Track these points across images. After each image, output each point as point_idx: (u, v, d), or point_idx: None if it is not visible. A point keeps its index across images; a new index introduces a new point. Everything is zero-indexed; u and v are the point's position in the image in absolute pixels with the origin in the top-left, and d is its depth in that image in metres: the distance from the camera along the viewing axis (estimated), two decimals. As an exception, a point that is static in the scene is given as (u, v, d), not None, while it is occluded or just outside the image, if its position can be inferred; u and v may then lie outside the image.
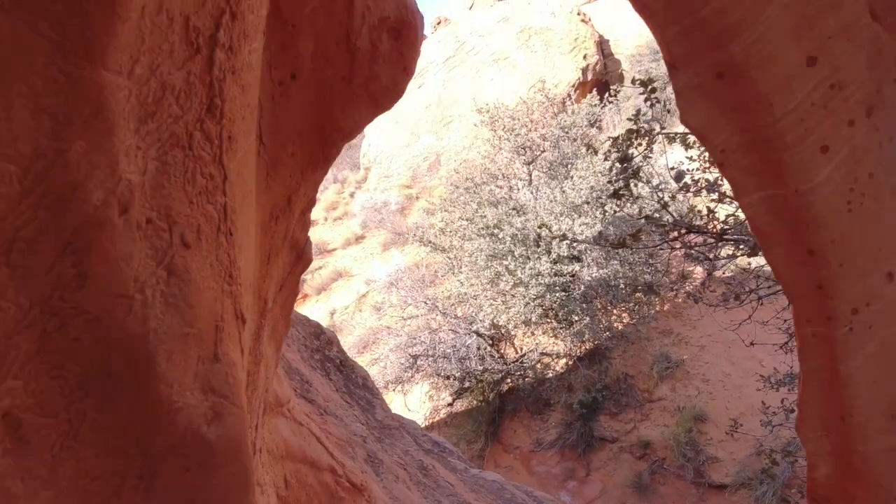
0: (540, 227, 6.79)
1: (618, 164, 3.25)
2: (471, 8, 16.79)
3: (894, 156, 0.92)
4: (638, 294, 8.50)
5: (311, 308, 12.24)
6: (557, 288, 7.97)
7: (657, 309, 8.86)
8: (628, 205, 4.61)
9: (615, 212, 6.37)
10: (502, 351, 9.64)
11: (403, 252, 12.06)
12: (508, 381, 9.41)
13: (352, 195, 15.99)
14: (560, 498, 7.95)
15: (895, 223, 0.88)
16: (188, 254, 0.76)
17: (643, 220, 3.42)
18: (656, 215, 4.33)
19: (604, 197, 7.19)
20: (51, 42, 0.60)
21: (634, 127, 3.16)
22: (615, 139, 3.17)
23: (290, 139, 1.36)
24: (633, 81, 3.16)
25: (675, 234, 3.45)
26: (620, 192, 3.03)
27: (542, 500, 4.93)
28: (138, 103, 0.69)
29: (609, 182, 6.34)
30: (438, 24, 16.68)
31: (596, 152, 4.96)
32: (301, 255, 1.62)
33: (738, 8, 0.77)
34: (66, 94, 0.61)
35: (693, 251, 3.82)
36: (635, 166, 3.21)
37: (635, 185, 3.73)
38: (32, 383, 0.65)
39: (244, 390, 0.86)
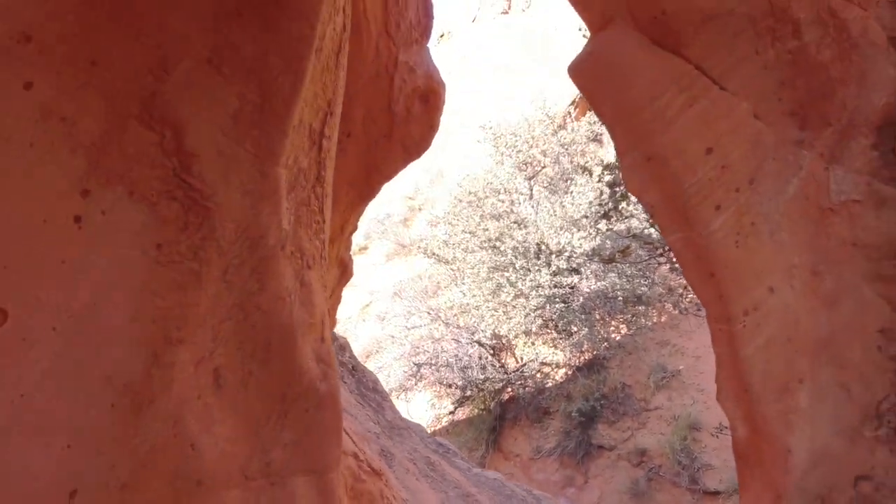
0: (539, 245, 7.29)
1: (607, 189, 3.73)
2: (473, 21, 17.38)
3: (771, 209, 1.40)
4: (636, 306, 8.96)
5: (315, 317, 12.61)
6: (557, 299, 8.43)
7: (654, 320, 9.31)
8: (618, 224, 5.11)
9: (608, 229, 6.88)
10: (503, 360, 10.05)
11: (407, 262, 12.51)
12: (509, 389, 9.80)
13: (354, 206, 16.41)
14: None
15: (771, 254, 1.36)
16: (310, 272, 1.24)
17: (632, 237, 3.90)
18: (646, 232, 4.81)
19: (602, 212, 7.69)
20: (251, 154, 1.09)
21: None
22: (606, 166, 3.66)
23: (346, 182, 1.85)
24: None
25: (661, 250, 3.92)
26: (609, 214, 3.51)
27: (540, 497, 5.37)
28: (288, 183, 1.18)
29: (600, 204, 6.85)
30: (441, 37, 17.26)
31: (591, 174, 5.47)
32: (346, 270, 2.10)
33: (662, 118, 1.25)
34: (260, 183, 1.10)
35: (677, 266, 4.30)
36: (624, 189, 3.69)
37: (626, 205, 4.22)
38: (229, 352, 1.12)
39: (336, 363, 1.33)
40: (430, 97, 1.96)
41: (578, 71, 1.41)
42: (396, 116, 1.90)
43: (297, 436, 1.24)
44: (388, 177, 1.95)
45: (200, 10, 0.97)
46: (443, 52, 16.40)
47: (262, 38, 0.99)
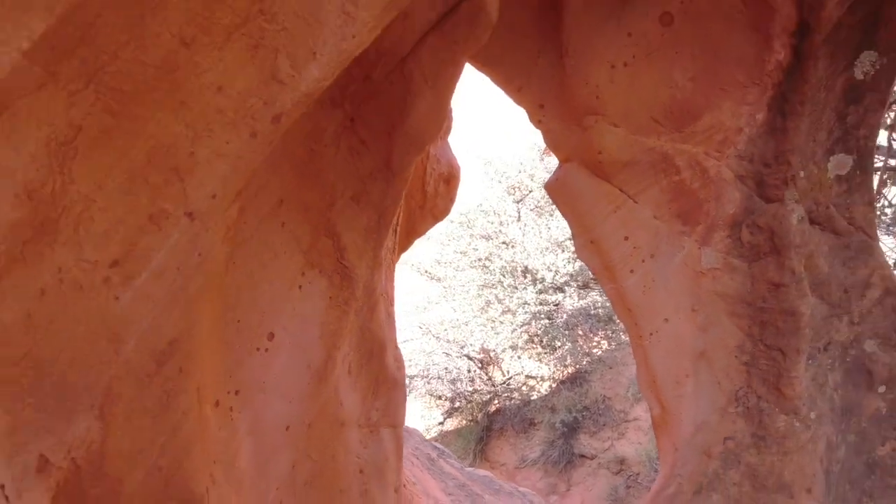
0: (524, 273, 8.34)
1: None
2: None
3: (665, 272, 2.43)
4: (616, 323, 10.01)
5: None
6: (542, 316, 9.46)
7: (633, 336, 10.31)
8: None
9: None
10: (490, 373, 11.00)
11: (400, 279, 13.43)
12: (496, 401, 10.72)
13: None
14: (544, 511, 9.34)
15: (665, 299, 2.39)
16: (391, 307, 2.24)
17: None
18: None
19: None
20: (371, 247, 2.09)
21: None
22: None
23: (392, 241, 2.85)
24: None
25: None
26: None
27: (525, 493, 6.36)
28: (383, 257, 2.19)
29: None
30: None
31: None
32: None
33: (598, 218, 2.28)
34: (374, 261, 2.10)
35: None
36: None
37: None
38: (354, 354, 2.12)
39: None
40: (450, 180, 2.97)
41: (551, 188, 2.44)
42: (428, 194, 2.90)
43: (383, 404, 2.24)
44: (421, 235, 2.95)
45: (351, 173, 1.97)
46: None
47: (383, 187, 2.00)
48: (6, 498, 0.86)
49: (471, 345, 10.31)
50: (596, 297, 9.67)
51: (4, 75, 0.85)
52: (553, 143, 2.42)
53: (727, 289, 2.39)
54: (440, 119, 1.89)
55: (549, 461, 9.88)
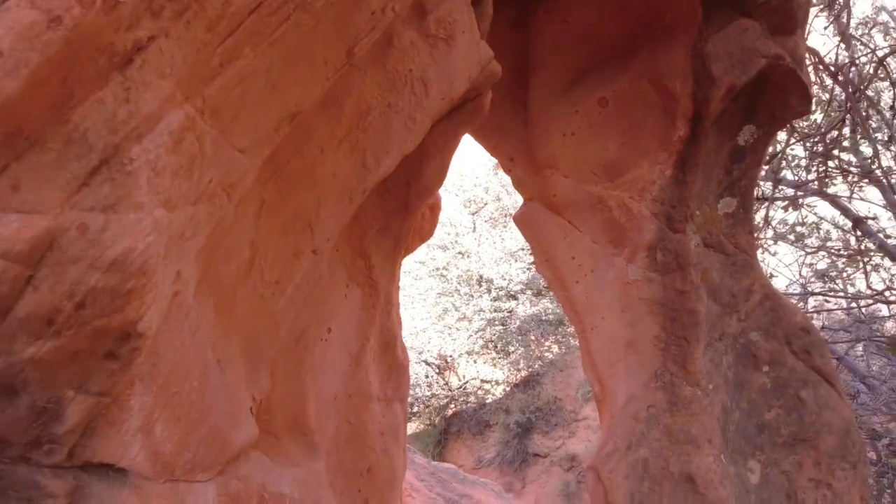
0: (480, 281, 9.27)
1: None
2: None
3: (602, 283, 3.37)
4: (566, 328, 11.05)
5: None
6: (497, 322, 10.41)
7: (581, 341, 11.39)
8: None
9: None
10: (447, 379, 11.88)
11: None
12: (453, 405, 11.60)
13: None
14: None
15: (601, 302, 3.33)
16: (398, 311, 3.10)
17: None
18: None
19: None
20: (388, 263, 2.94)
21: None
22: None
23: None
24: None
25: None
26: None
27: (487, 483, 7.25)
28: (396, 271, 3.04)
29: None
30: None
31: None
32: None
33: (552, 243, 3.21)
34: (392, 275, 2.94)
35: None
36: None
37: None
38: (376, 345, 2.95)
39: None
40: (434, 207, 3.84)
41: (518, 220, 3.35)
42: (417, 219, 3.76)
43: (395, 384, 3.08)
44: (410, 253, 3.79)
45: (378, 212, 2.82)
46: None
47: (400, 222, 2.85)
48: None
49: (428, 351, 11.16)
50: (547, 304, 10.71)
51: (250, 179, 1.65)
52: (519, 186, 3.34)
53: (647, 295, 3.35)
54: (444, 175, 2.76)
55: (505, 461, 10.76)
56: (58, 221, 0.76)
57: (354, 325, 2.71)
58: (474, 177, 11.10)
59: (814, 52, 3.73)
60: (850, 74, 3.99)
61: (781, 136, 4.90)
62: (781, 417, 3.64)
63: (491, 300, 10.53)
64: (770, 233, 5.57)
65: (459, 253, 11.08)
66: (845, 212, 4.73)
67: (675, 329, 3.26)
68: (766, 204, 4.63)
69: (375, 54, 1.94)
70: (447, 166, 2.76)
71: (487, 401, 11.33)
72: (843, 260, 5.04)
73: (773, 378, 3.68)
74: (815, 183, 4.88)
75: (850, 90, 3.86)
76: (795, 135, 4.30)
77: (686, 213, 3.11)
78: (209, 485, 1.36)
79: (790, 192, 4.68)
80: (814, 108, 4.35)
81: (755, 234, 3.53)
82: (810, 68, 3.78)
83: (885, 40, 4.78)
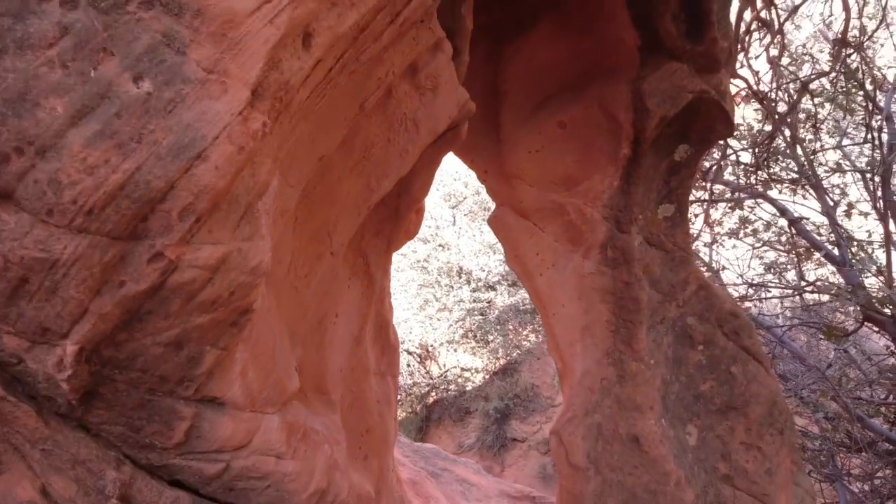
0: (459, 273, 10.00)
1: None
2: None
3: (563, 275, 4.12)
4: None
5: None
6: (476, 312, 11.16)
7: (557, 329, 12.19)
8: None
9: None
10: (428, 367, 12.61)
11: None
12: (434, 393, 12.34)
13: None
14: (477, 483, 10.96)
15: (562, 291, 4.06)
16: (390, 299, 3.81)
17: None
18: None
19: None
20: (382, 260, 3.66)
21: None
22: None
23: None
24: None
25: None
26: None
27: (468, 462, 8.01)
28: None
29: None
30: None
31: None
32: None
33: (519, 241, 3.94)
34: (386, 269, 3.66)
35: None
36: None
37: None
38: (373, 331, 3.67)
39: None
40: (419, 211, 4.56)
41: (492, 222, 4.09)
42: (406, 220, 4.47)
43: (387, 361, 3.81)
44: (398, 249, 4.52)
45: (375, 218, 3.53)
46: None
47: (392, 226, 3.56)
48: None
49: (410, 340, 11.88)
50: (524, 295, 11.48)
51: (293, 205, 2.35)
52: (492, 193, 4.07)
53: (599, 285, 4.12)
54: (429, 187, 3.49)
55: (485, 446, 11.52)
56: (228, 248, 1.45)
57: (355, 311, 3.42)
58: (454, 171, 11.81)
59: (745, 80, 4.52)
60: (776, 98, 4.78)
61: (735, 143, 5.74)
62: (715, 389, 4.45)
63: (470, 291, 11.27)
64: (725, 229, 6.40)
65: (440, 245, 11.80)
66: (783, 213, 5.56)
67: (623, 314, 4.03)
68: (727, 204, 5.46)
69: (378, 103, 2.65)
70: (431, 180, 3.49)
71: (467, 388, 12.04)
72: (784, 255, 5.88)
73: (708, 356, 4.48)
74: (760, 186, 5.70)
75: (777, 112, 4.65)
76: (730, 149, 5.13)
77: (631, 216, 3.86)
78: (275, 416, 2.07)
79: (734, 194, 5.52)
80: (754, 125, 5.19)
81: (712, 231, 4.33)
82: (743, 92, 4.60)
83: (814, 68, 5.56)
